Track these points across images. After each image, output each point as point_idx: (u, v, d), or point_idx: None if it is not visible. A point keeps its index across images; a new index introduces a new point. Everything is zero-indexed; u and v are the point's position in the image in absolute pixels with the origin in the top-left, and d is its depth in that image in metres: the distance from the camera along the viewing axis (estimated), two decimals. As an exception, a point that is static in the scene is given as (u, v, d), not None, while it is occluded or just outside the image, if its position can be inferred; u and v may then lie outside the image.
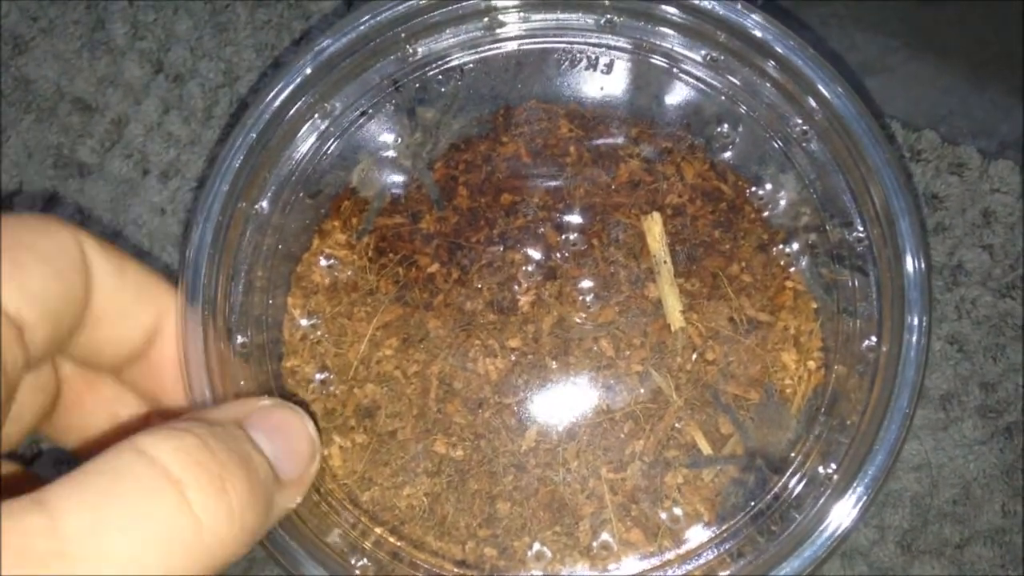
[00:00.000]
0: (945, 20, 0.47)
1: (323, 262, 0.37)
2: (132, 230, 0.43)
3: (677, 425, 0.35)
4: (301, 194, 0.36)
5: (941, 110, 0.47)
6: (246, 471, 0.24)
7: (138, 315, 0.29)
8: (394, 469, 0.35)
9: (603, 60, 0.37)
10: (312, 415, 0.32)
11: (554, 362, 0.36)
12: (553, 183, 0.38)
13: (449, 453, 0.35)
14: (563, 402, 0.36)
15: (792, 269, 0.37)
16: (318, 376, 0.36)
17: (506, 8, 0.36)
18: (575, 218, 0.37)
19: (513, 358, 0.36)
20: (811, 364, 0.36)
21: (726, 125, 0.37)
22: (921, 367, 0.30)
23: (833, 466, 0.32)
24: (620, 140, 0.38)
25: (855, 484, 0.30)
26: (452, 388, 0.36)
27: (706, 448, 0.35)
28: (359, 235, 0.37)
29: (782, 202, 0.37)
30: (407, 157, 0.37)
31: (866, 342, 0.33)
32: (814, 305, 0.36)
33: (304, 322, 0.37)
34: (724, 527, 0.35)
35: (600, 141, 0.38)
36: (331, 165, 0.37)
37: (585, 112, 0.38)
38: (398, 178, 0.38)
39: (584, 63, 0.38)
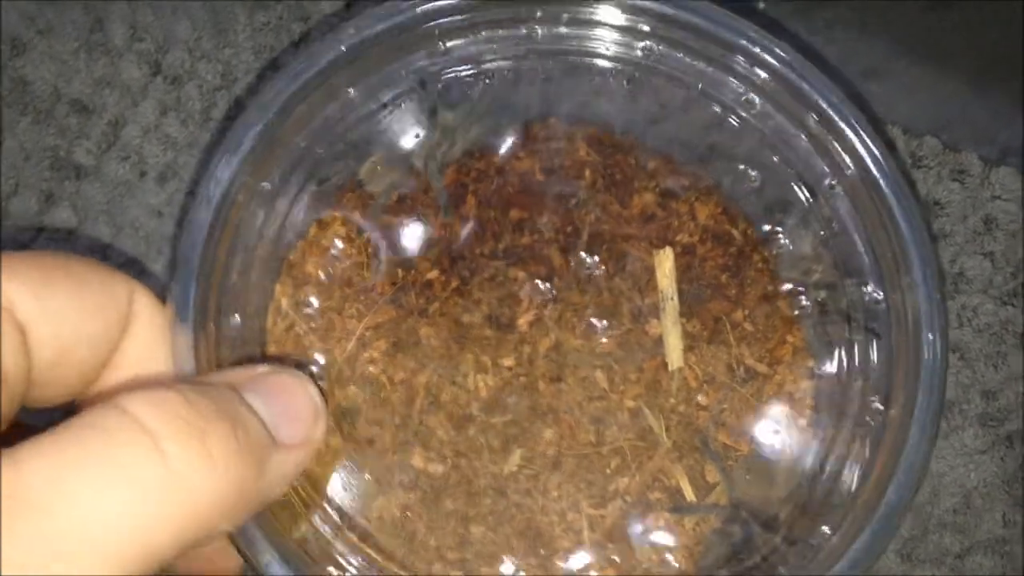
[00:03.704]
0: (948, 26, 0.47)
1: (319, 253, 0.36)
2: (129, 232, 0.43)
3: (664, 467, 0.34)
4: (306, 180, 0.35)
5: (943, 116, 0.46)
6: (230, 424, 0.23)
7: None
8: (368, 478, 0.34)
9: (634, 86, 0.36)
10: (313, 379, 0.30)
11: (547, 386, 0.35)
12: (564, 205, 0.37)
13: (427, 468, 0.34)
14: (551, 429, 0.35)
15: (794, 325, 0.36)
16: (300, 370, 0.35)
17: (547, 19, 0.35)
18: (583, 243, 0.36)
19: (505, 377, 0.35)
20: (802, 422, 0.35)
21: (754, 170, 0.36)
22: (932, 439, 0.30)
23: (828, 529, 0.31)
24: (638, 171, 0.37)
25: (850, 551, 0.29)
26: (438, 401, 0.35)
27: (690, 494, 0.34)
28: (360, 230, 0.36)
29: (796, 255, 0.36)
30: (420, 157, 0.36)
31: (871, 406, 0.33)
32: (809, 363, 0.36)
33: (291, 312, 0.35)
34: None
35: (617, 170, 0.37)
36: (342, 154, 0.35)
37: (603, 138, 0.37)
38: (407, 178, 0.36)
39: (614, 85, 0.36)
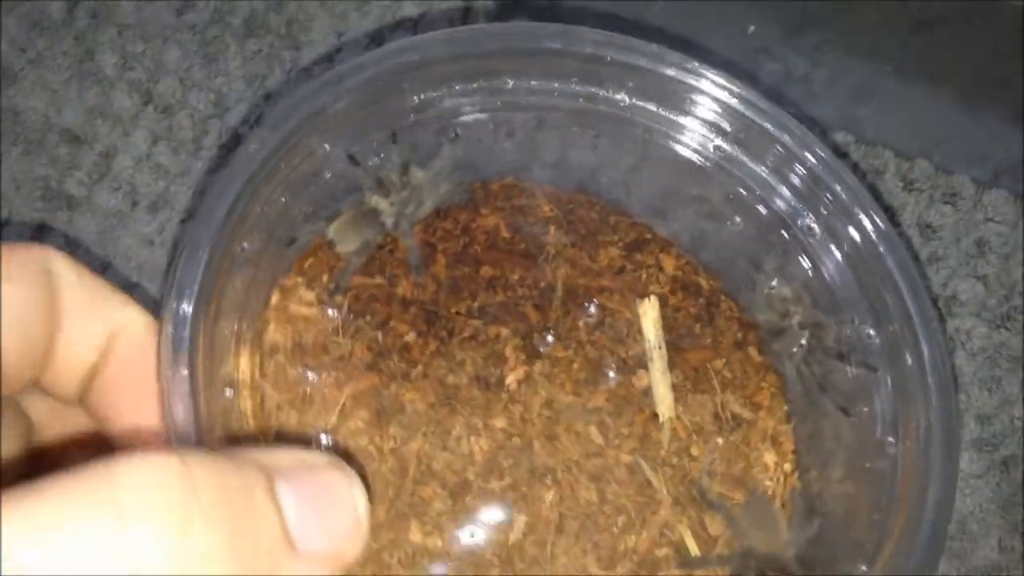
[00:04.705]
0: (938, 46, 0.47)
1: (286, 321, 0.34)
2: (121, 262, 0.43)
3: (668, 522, 0.34)
4: (280, 242, 0.33)
5: (935, 137, 0.46)
6: (230, 518, 0.20)
7: (92, 330, 0.27)
8: (362, 559, 0.31)
9: (607, 137, 0.36)
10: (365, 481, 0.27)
11: (542, 446, 0.34)
12: (534, 261, 0.36)
13: (425, 543, 0.32)
14: (552, 490, 0.33)
15: (768, 371, 0.36)
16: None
17: (520, 71, 0.34)
18: (559, 298, 0.36)
19: (498, 439, 0.33)
20: (787, 466, 0.35)
21: (737, 217, 0.36)
22: (955, 466, 0.30)
23: (864, 567, 0.30)
24: (601, 226, 0.37)
25: None
26: (431, 469, 0.33)
27: (694, 548, 0.34)
28: (331, 293, 0.34)
29: (776, 296, 0.36)
30: (390, 215, 0.35)
31: (881, 440, 0.32)
32: (786, 407, 0.36)
33: (263, 385, 0.32)
34: None
35: (581, 225, 0.37)
36: (311, 214, 0.34)
37: (562, 196, 0.37)
38: (378, 236, 0.35)
39: (585, 138, 0.36)
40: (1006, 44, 0.44)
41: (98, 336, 0.27)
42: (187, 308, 0.27)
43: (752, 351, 0.37)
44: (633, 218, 0.38)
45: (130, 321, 0.28)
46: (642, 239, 0.38)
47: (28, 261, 0.25)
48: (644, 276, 0.37)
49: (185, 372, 0.27)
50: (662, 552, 0.33)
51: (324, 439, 0.32)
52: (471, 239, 0.37)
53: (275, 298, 0.34)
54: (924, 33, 0.46)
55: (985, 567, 0.40)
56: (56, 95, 0.44)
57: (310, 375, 0.33)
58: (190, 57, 0.45)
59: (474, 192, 0.37)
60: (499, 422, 0.34)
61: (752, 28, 0.47)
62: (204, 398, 0.27)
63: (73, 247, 0.43)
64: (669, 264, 0.37)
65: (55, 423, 0.28)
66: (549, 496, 0.33)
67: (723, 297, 0.37)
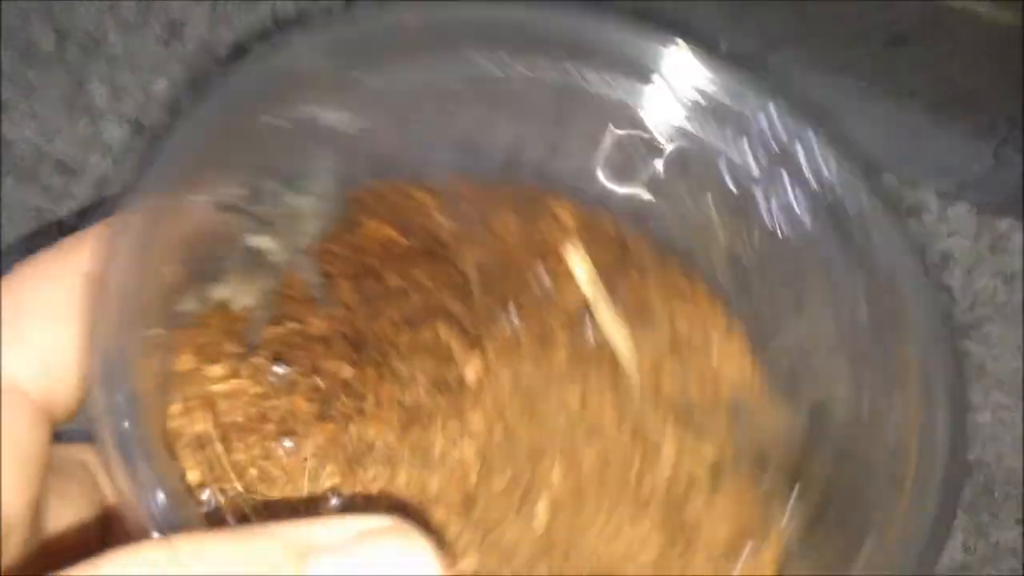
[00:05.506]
0: (907, 62, 0.48)
1: (202, 406, 0.29)
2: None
3: (673, 457, 0.32)
4: (169, 318, 0.28)
5: (901, 152, 0.47)
6: None
7: None
8: None
9: (497, 112, 0.33)
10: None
11: (526, 428, 0.31)
12: (435, 256, 0.34)
13: (463, 570, 0.28)
14: (556, 467, 0.31)
15: (697, 280, 0.34)
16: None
17: (384, 60, 0.31)
18: (478, 285, 0.33)
19: (481, 437, 0.31)
20: (747, 362, 0.33)
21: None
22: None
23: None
24: (487, 198, 0.35)
25: None
26: (428, 495, 0.30)
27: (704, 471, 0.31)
28: (243, 358, 0.30)
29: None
30: (278, 253, 0.30)
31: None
32: (722, 308, 0.34)
33: (209, 480, 0.28)
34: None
35: (466, 204, 0.34)
36: (188, 281, 0.29)
37: (433, 184, 0.34)
38: (275, 280, 0.31)
39: (468, 116, 0.34)
40: (975, 59, 0.45)
41: None
42: (126, 424, 0.23)
43: (673, 269, 0.35)
44: (514, 184, 0.36)
45: None
46: (531, 198, 0.35)
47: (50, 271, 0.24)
48: (546, 232, 0.35)
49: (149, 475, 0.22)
50: (681, 484, 0.32)
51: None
52: (364, 253, 0.33)
53: (179, 384, 0.29)
54: (894, 49, 0.47)
55: (951, 567, 0.42)
56: (48, 126, 0.45)
57: (259, 451, 0.29)
58: (177, 87, 0.46)
59: (349, 201, 0.33)
60: (475, 420, 0.31)
61: (723, 45, 0.48)
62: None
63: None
64: (565, 214, 0.35)
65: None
66: (555, 473, 0.31)
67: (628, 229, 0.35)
